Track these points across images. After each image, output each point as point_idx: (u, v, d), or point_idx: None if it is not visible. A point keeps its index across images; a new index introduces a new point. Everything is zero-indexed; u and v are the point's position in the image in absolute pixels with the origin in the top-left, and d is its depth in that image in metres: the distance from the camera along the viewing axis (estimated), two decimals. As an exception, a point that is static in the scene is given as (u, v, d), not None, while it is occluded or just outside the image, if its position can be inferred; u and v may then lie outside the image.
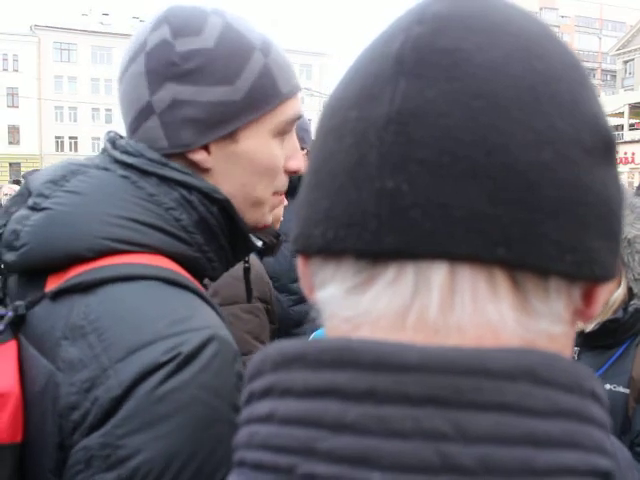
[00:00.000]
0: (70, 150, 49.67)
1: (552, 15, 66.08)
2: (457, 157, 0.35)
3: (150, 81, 0.82)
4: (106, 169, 0.82)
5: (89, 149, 48.49)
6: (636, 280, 1.77)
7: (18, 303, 0.77)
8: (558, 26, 63.25)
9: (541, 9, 63.44)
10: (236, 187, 0.86)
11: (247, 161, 0.86)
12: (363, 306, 0.37)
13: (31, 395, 0.73)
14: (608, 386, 1.80)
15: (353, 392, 0.34)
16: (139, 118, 0.84)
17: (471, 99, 0.35)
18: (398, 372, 0.33)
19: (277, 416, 0.36)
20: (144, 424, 0.66)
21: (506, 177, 0.35)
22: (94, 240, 0.75)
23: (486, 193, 0.34)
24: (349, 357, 0.34)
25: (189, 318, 0.72)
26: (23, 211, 0.80)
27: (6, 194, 7.70)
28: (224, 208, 0.84)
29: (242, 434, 0.38)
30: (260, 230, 0.93)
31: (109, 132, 0.91)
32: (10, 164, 47.44)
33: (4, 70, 48.71)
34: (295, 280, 2.45)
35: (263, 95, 0.85)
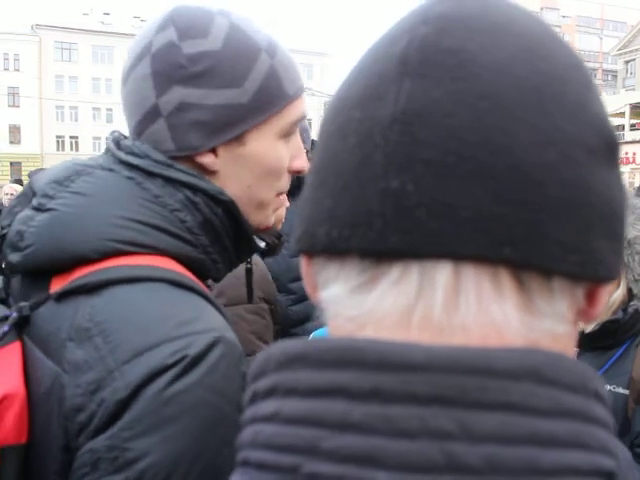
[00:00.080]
0: (71, 150, 49.71)
1: (553, 15, 66.04)
2: (462, 157, 0.35)
3: (156, 83, 0.82)
4: (111, 170, 0.82)
5: (90, 149, 48.52)
6: (636, 281, 1.77)
7: (22, 304, 0.76)
8: (559, 26, 63.18)
9: (542, 9, 63.40)
10: (242, 189, 0.86)
11: (254, 163, 0.86)
12: (368, 305, 0.37)
13: (36, 396, 0.73)
14: (608, 387, 1.80)
15: (358, 391, 0.34)
16: (145, 120, 0.84)
17: (476, 100, 0.35)
18: (405, 371, 0.33)
19: (281, 415, 0.36)
20: (151, 426, 0.66)
21: (511, 177, 0.35)
22: (99, 241, 0.75)
23: (491, 193, 0.35)
24: (354, 356, 0.34)
25: (195, 320, 0.72)
26: (27, 211, 0.80)
27: (7, 193, 7.70)
28: (229, 210, 0.84)
29: (246, 433, 0.38)
30: (263, 231, 0.93)
31: (113, 132, 0.90)
32: (11, 163, 47.47)
33: (5, 69, 48.74)
34: (293, 280, 2.46)
35: (270, 97, 0.85)
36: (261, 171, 0.86)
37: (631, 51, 49.65)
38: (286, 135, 0.88)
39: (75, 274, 0.75)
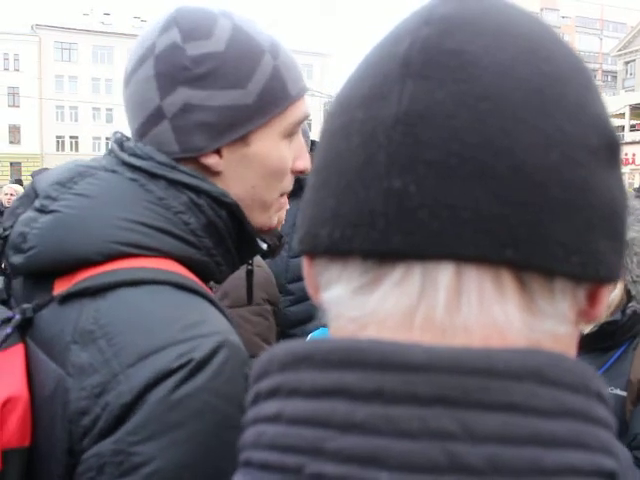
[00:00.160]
0: (71, 150, 49.70)
1: (553, 16, 66.02)
2: (464, 159, 0.35)
3: (160, 85, 0.82)
4: (114, 171, 0.82)
5: (90, 149, 48.53)
6: (634, 282, 1.76)
7: (25, 306, 0.76)
8: (559, 27, 63.15)
9: (542, 10, 63.37)
10: (246, 189, 0.86)
11: (258, 164, 0.86)
12: (370, 306, 0.37)
13: (40, 399, 0.72)
14: (606, 388, 1.79)
15: (361, 392, 0.34)
16: (148, 122, 0.83)
17: (478, 101, 0.36)
18: (406, 372, 0.33)
19: (285, 416, 0.36)
20: (157, 431, 0.65)
21: (512, 178, 0.35)
22: (103, 244, 0.75)
23: (493, 194, 0.35)
24: (357, 357, 0.34)
25: (200, 323, 0.72)
26: (30, 213, 0.79)
27: (7, 194, 7.70)
28: (232, 212, 0.84)
29: (249, 434, 0.38)
30: (266, 232, 0.93)
31: (115, 133, 0.90)
32: (11, 164, 47.45)
33: (5, 69, 48.71)
34: (292, 280, 2.45)
35: (274, 98, 0.85)
36: (265, 171, 0.86)
37: (631, 52, 49.60)
38: (289, 135, 0.89)
39: (78, 276, 0.75)
